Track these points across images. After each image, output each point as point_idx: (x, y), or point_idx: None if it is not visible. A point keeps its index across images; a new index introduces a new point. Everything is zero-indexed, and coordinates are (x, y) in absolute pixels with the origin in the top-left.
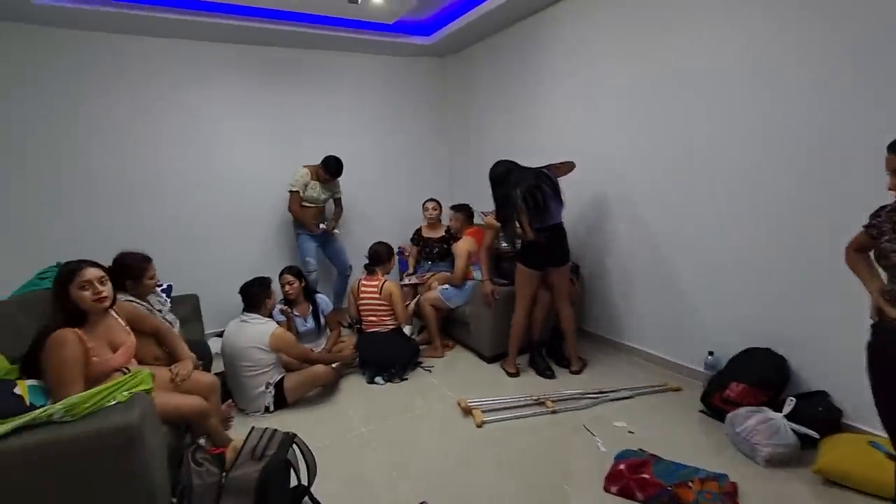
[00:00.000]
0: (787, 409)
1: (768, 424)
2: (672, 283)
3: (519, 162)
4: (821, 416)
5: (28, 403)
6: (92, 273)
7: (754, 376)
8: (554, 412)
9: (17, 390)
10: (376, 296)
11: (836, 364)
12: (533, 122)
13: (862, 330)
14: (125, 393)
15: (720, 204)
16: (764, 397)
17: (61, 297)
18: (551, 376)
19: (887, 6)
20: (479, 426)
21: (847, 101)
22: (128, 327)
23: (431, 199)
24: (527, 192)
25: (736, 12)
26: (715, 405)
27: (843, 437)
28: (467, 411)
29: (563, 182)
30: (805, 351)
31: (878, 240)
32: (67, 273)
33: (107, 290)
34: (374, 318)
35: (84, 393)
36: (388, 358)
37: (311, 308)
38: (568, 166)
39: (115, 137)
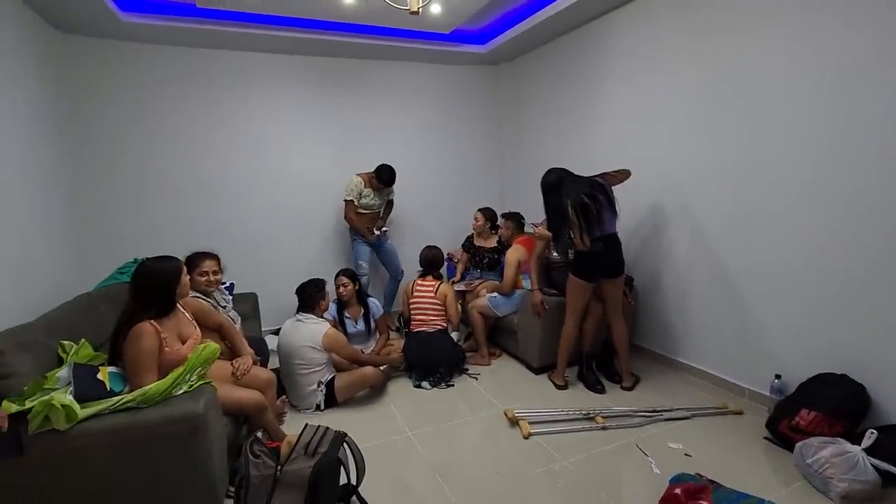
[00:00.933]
0: (868, 441)
1: (845, 457)
2: (735, 300)
3: (572, 170)
4: None
5: (109, 389)
6: (209, 265)
7: (828, 404)
8: (604, 428)
9: (99, 376)
10: (431, 296)
11: None
12: (588, 131)
13: None
14: (194, 379)
15: (792, 217)
16: (839, 427)
17: (163, 291)
18: (601, 391)
19: None
20: (525, 437)
21: None
22: (194, 321)
23: (479, 210)
24: (579, 201)
25: (811, 14)
26: (782, 433)
27: None
28: (514, 422)
29: (620, 191)
30: (889, 380)
31: None
32: (178, 268)
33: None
34: (423, 318)
35: (158, 382)
36: (434, 358)
37: (362, 311)
38: (623, 174)
39: (191, 144)
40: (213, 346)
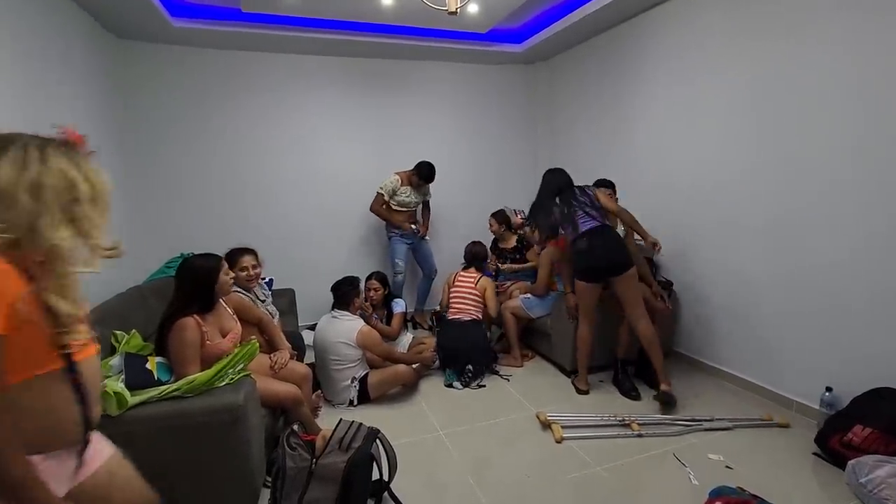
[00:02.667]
0: None
1: None
2: (783, 307)
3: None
4: None
5: (156, 378)
6: (248, 260)
7: (885, 421)
8: (640, 436)
9: (148, 366)
10: (471, 287)
11: None
12: (626, 132)
13: None
14: (235, 372)
15: (841, 222)
16: None
17: (205, 288)
18: (636, 397)
19: None
20: (558, 441)
21: None
22: (235, 316)
23: (491, 216)
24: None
25: (861, 14)
26: (832, 448)
27: None
28: (546, 425)
29: (661, 191)
30: None
31: None
32: (216, 265)
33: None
34: (460, 307)
35: (202, 373)
36: (464, 348)
37: (385, 314)
38: (613, 209)
39: (233, 143)
40: (255, 344)
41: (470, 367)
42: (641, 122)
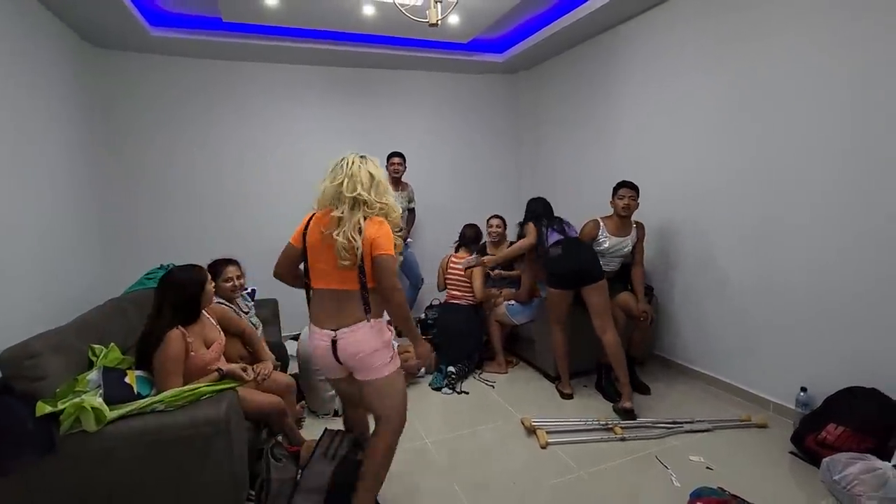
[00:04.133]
0: None
1: (874, 474)
2: (759, 310)
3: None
4: None
5: (136, 392)
6: (232, 271)
7: (857, 419)
8: (623, 439)
9: (127, 380)
10: (461, 271)
11: None
12: (607, 139)
13: None
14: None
15: (816, 226)
16: (868, 443)
17: (190, 300)
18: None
19: None
20: (543, 447)
21: None
22: (218, 326)
23: (496, 216)
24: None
25: (837, 20)
26: (808, 447)
27: None
28: (531, 431)
29: (641, 199)
30: None
31: None
32: (202, 277)
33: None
34: (457, 292)
35: (182, 388)
36: (463, 330)
37: None
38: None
39: (215, 152)
40: (238, 382)
41: (453, 369)
42: (621, 130)
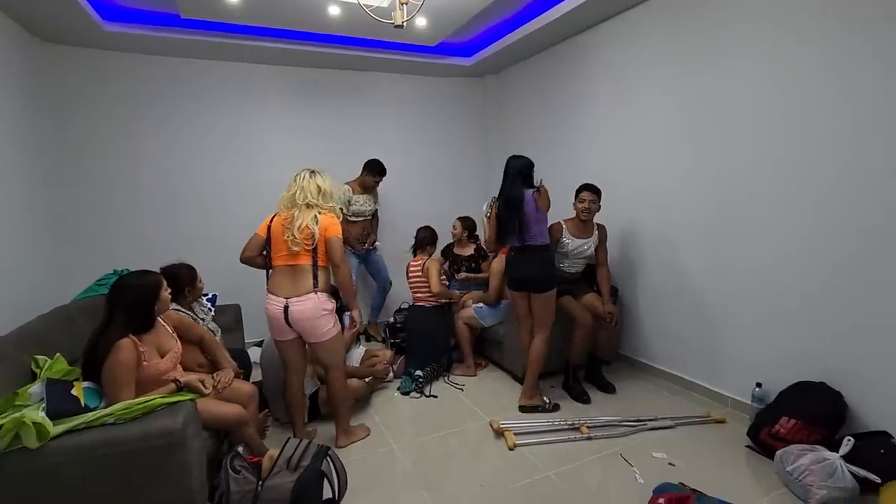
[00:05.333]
0: (845, 449)
1: (823, 465)
2: (717, 310)
3: (554, 178)
4: (882, 458)
5: (83, 405)
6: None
7: (807, 412)
8: (589, 438)
9: (73, 392)
10: (420, 273)
11: None
12: (572, 142)
13: None
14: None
15: (768, 228)
16: (818, 435)
17: (143, 308)
18: (587, 401)
19: None
20: (511, 448)
21: None
22: (175, 335)
23: (458, 219)
24: (504, 202)
25: (787, 36)
26: (763, 441)
27: None
28: (500, 433)
29: (603, 202)
30: (866, 388)
31: None
32: (157, 283)
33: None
34: (420, 294)
35: (133, 400)
36: (429, 330)
37: None
38: (544, 201)
39: (173, 153)
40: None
41: (420, 372)
42: (585, 133)
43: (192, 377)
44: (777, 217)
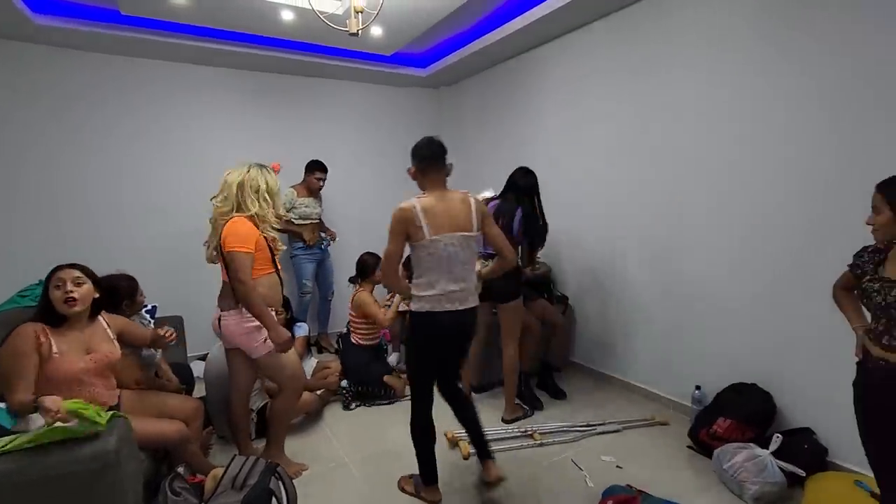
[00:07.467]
0: (774, 445)
1: (755, 461)
2: (661, 317)
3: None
4: (806, 453)
5: None
6: (67, 273)
7: (741, 412)
8: (541, 445)
9: None
10: (352, 311)
11: (821, 401)
12: (523, 156)
13: (848, 367)
14: (101, 416)
15: (711, 239)
16: (751, 433)
17: (44, 295)
18: (539, 408)
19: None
20: (465, 458)
21: (843, 143)
22: (115, 339)
23: None
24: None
25: (722, 56)
26: (702, 440)
27: (828, 475)
28: (454, 442)
29: (553, 208)
30: (790, 387)
31: (861, 279)
32: (49, 272)
33: (79, 292)
34: (356, 334)
35: (50, 428)
36: (352, 369)
37: None
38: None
39: (105, 156)
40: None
41: (345, 383)
42: (538, 146)
43: (49, 400)
44: (714, 227)
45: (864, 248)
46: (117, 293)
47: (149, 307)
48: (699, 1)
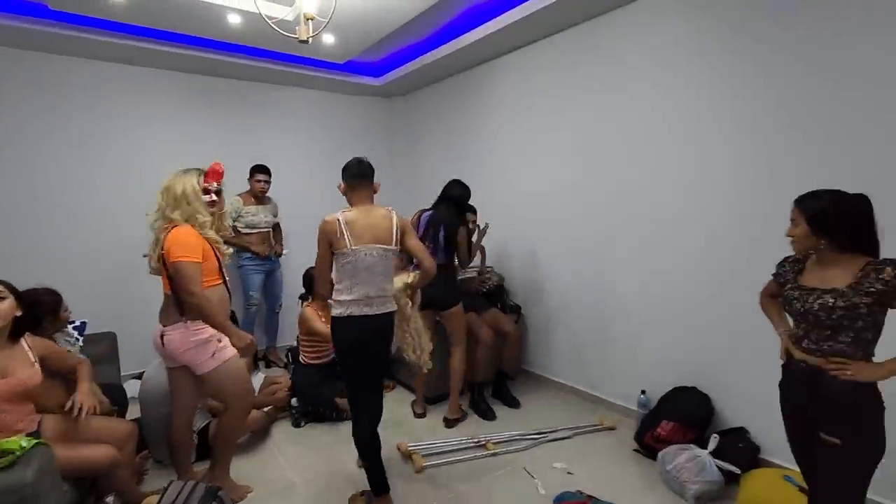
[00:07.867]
0: (712, 445)
1: (696, 461)
2: (606, 323)
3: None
4: (741, 451)
5: None
6: None
7: (683, 414)
8: (494, 454)
9: None
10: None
11: (753, 402)
12: (476, 165)
13: (776, 369)
14: (22, 444)
15: (650, 255)
16: (692, 435)
17: None
18: (492, 417)
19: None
20: (418, 472)
21: (774, 159)
22: (37, 363)
23: None
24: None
25: (665, 75)
26: (647, 443)
27: (760, 472)
28: (407, 455)
29: (505, 220)
30: (726, 389)
31: (784, 287)
32: None
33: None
34: (304, 354)
35: None
36: (299, 388)
37: None
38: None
39: (31, 158)
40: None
41: (294, 401)
42: (489, 156)
43: None
44: (656, 243)
45: (786, 259)
46: (38, 308)
47: (77, 323)
48: (642, 25)
